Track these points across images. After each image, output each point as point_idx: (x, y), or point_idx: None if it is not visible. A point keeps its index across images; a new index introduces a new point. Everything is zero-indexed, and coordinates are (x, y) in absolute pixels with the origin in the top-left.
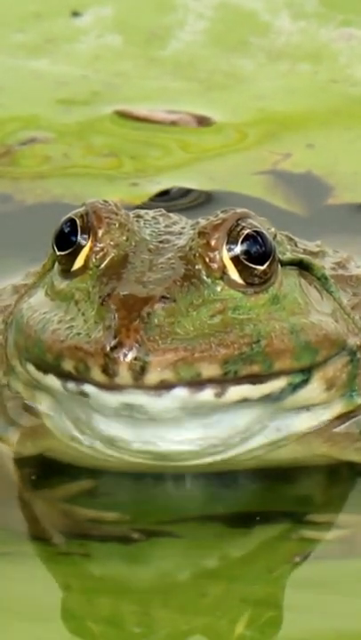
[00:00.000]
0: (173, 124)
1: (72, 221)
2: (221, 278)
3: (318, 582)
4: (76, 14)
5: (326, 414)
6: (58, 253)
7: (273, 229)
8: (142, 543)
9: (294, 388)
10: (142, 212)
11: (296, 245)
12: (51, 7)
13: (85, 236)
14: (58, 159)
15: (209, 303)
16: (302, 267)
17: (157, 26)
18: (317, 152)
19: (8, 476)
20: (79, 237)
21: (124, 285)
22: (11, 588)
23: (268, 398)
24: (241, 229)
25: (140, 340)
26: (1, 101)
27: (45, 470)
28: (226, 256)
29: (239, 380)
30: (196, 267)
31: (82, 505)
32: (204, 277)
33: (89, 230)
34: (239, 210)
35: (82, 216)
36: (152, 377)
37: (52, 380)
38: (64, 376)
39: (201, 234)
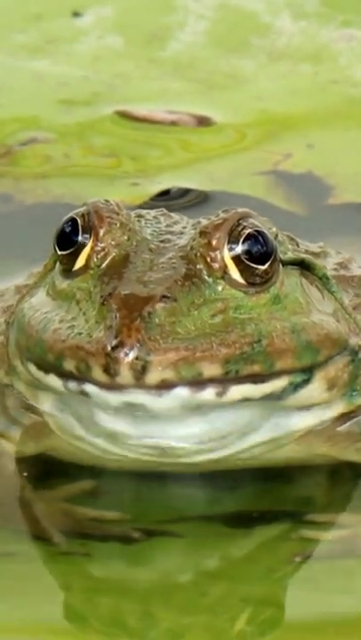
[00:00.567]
0: (174, 124)
1: (73, 221)
2: (223, 278)
3: (319, 582)
4: (76, 15)
5: (327, 414)
6: (59, 253)
7: (274, 229)
8: (143, 543)
9: (296, 387)
10: (143, 211)
11: (298, 245)
12: (51, 8)
13: (87, 236)
14: (58, 159)
15: (210, 303)
16: (304, 266)
17: (158, 26)
18: (318, 152)
19: (9, 475)
20: (80, 237)
21: (125, 285)
22: (11, 587)
23: (269, 398)
24: (242, 229)
25: (142, 339)
26: (1, 102)
27: (46, 470)
28: (227, 256)
29: (240, 380)
30: (198, 266)
31: (83, 504)
32: (206, 277)
33: (90, 230)
34: (240, 209)
35: (83, 215)
36: (153, 376)
37: (53, 380)
38: (65, 376)
39: (202, 233)
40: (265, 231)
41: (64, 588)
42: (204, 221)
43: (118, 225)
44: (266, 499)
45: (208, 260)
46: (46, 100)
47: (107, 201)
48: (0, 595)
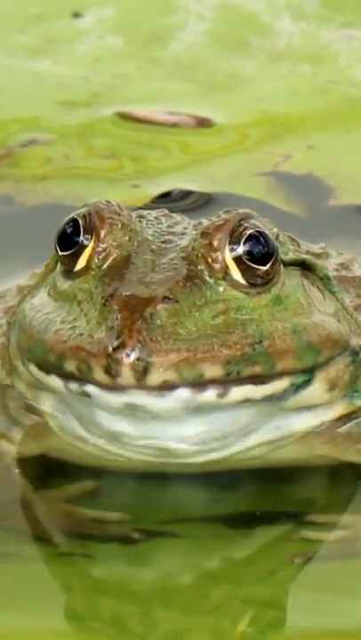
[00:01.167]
0: (174, 125)
1: (75, 222)
2: (224, 279)
3: (320, 583)
4: (76, 15)
5: (328, 415)
6: (60, 254)
7: (275, 230)
8: (144, 544)
9: (297, 388)
10: (145, 212)
11: (299, 246)
12: (52, 8)
13: (88, 237)
14: (59, 161)
15: (211, 304)
16: (305, 267)
17: (158, 27)
18: (318, 153)
19: (10, 476)
20: (82, 238)
21: (126, 286)
22: (12, 588)
23: (270, 399)
24: (243, 230)
25: (143, 340)
26: (2, 102)
27: (47, 470)
28: (228, 256)
29: (242, 381)
30: (199, 267)
31: (83, 505)
32: (207, 278)
33: (91, 230)
34: (242, 210)
35: (84, 216)
36: (155, 377)
37: (54, 381)
38: (66, 376)
39: (203, 234)
40: (266, 232)
41: (64, 588)
42: (206, 222)
43: (119, 226)
44: (267, 500)
45: (209, 260)
46: (46, 101)
47: (108, 201)
48: (0, 595)
